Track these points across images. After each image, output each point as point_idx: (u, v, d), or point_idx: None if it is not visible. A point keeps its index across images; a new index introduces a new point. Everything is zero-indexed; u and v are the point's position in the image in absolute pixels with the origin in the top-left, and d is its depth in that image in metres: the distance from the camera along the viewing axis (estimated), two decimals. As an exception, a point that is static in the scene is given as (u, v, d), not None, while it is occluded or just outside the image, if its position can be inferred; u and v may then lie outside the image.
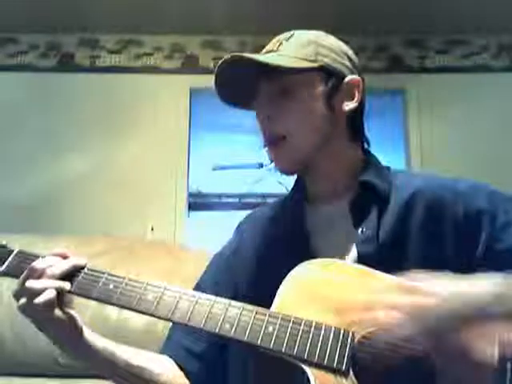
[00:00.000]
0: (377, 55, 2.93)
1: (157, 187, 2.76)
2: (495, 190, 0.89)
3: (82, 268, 0.82)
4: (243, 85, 0.91)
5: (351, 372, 0.69)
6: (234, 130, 2.93)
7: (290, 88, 0.89)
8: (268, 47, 0.94)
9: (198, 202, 2.91)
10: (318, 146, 0.90)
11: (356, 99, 0.92)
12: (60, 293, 0.78)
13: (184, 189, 2.81)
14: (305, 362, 0.70)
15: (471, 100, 2.88)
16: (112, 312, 1.55)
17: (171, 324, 0.97)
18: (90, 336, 0.84)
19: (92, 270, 0.82)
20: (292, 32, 0.94)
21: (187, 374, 0.93)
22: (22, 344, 1.54)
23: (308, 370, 0.69)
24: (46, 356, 1.52)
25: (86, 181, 2.75)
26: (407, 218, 0.86)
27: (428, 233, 0.84)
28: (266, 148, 0.92)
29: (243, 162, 3.01)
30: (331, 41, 0.94)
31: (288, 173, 0.94)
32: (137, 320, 1.54)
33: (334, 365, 0.69)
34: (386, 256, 0.82)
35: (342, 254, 0.86)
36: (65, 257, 0.83)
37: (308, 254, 0.85)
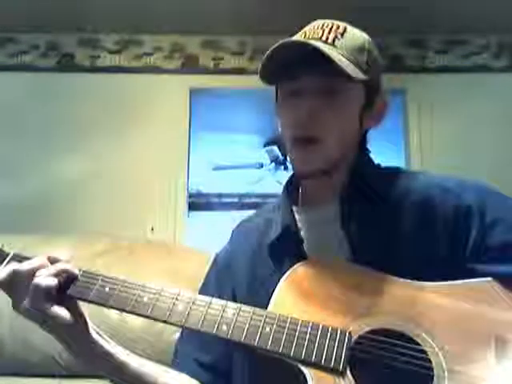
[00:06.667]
0: (377, 55, 2.92)
1: (157, 187, 2.76)
2: (484, 186, 0.88)
3: (74, 276, 0.80)
4: (287, 64, 0.85)
5: (349, 372, 0.69)
6: (234, 130, 2.93)
7: (338, 92, 0.86)
8: (315, 34, 0.87)
9: (198, 202, 2.91)
10: (341, 156, 0.89)
11: (381, 120, 0.93)
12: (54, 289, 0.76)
13: (184, 189, 2.81)
14: (302, 362, 0.70)
15: (471, 100, 2.87)
16: (112, 311, 1.55)
17: (177, 338, 0.97)
18: (101, 340, 0.83)
19: (87, 273, 0.81)
20: (342, 25, 0.90)
21: None
22: (22, 344, 1.54)
23: (305, 370, 0.69)
24: (46, 356, 1.52)
25: (86, 181, 2.74)
26: (398, 218, 0.86)
27: (419, 232, 0.84)
28: (292, 145, 0.88)
29: (243, 162, 3.00)
30: (377, 52, 0.93)
31: (308, 176, 0.91)
32: (137, 319, 1.54)
33: (332, 365, 0.69)
34: (377, 257, 0.82)
35: (333, 255, 0.85)
36: (55, 262, 0.80)
37: (301, 256, 0.85)
